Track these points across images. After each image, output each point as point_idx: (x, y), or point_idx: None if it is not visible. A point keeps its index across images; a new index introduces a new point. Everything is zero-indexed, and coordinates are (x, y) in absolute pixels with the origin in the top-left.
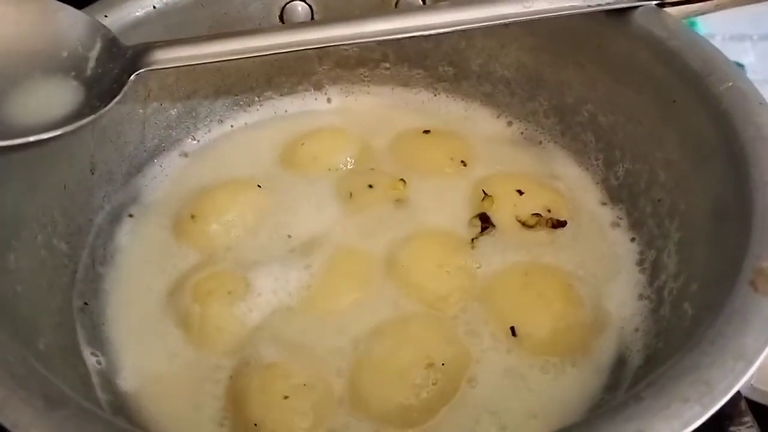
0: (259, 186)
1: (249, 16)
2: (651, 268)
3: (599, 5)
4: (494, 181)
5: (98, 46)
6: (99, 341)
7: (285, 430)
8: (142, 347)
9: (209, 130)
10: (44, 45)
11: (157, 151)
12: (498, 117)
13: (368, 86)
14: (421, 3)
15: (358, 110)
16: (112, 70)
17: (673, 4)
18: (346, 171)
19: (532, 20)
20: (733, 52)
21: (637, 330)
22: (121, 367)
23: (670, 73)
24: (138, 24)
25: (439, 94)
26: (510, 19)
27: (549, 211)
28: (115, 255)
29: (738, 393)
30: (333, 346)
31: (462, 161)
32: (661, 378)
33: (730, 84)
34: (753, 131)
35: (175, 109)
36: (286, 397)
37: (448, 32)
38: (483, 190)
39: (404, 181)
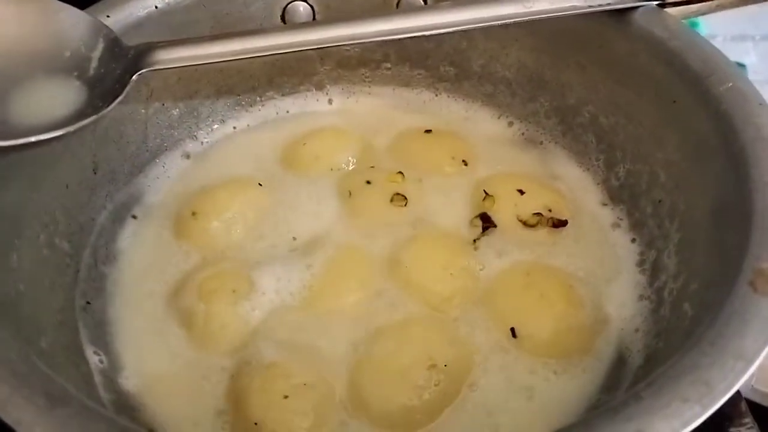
0: (260, 184)
1: (251, 17)
2: (651, 268)
3: (600, 6)
4: (495, 181)
5: (100, 46)
6: (101, 340)
7: (285, 429)
8: (145, 346)
9: (211, 130)
10: (47, 45)
11: (159, 151)
12: (499, 117)
13: (369, 86)
14: (422, 3)
15: (360, 110)
16: (115, 70)
17: (673, 5)
18: (347, 171)
19: (533, 20)
20: (734, 52)
21: (637, 330)
22: (124, 367)
23: (671, 73)
24: (140, 24)
25: (440, 94)
26: (511, 20)
27: (550, 210)
28: (117, 255)
29: (738, 394)
30: (334, 346)
31: (463, 160)
32: (661, 378)
33: (730, 85)
34: (753, 132)
35: (177, 109)
36: (286, 397)
37: (449, 32)
38: (484, 190)
39: (402, 174)
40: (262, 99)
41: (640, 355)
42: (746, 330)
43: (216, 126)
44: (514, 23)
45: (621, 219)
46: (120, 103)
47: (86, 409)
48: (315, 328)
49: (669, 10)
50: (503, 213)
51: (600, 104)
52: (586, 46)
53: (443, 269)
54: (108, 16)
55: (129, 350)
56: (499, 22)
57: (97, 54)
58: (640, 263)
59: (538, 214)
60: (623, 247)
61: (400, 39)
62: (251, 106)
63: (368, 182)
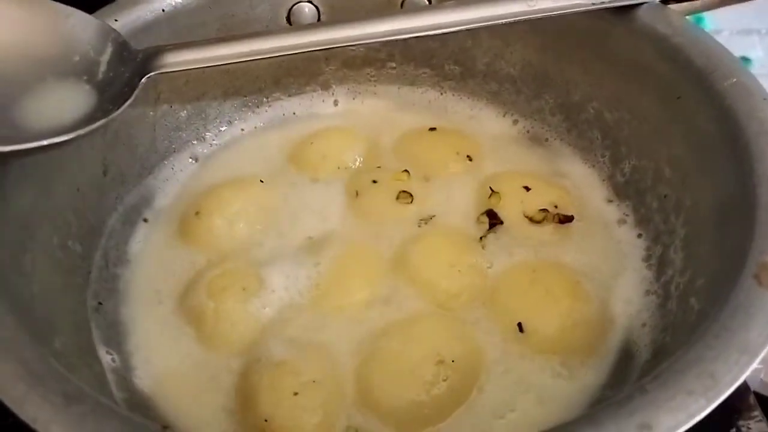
0: (261, 181)
1: (256, 18)
2: (658, 263)
3: (603, 3)
4: (501, 178)
5: (109, 50)
6: (113, 340)
7: (294, 426)
8: (156, 346)
9: (219, 132)
10: (56, 50)
11: (168, 153)
12: (504, 116)
13: (375, 86)
14: (426, 3)
15: (365, 110)
16: (123, 74)
17: (677, 0)
18: (354, 169)
19: (537, 19)
20: (740, 46)
21: (644, 325)
22: (135, 366)
23: (675, 69)
24: (147, 27)
25: (445, 93)
26: (515, 18)
27: (556, 206)
28: (128, 256)
29: (747, 388)
30: (342, 344)
31: (467, 156)
32: (666, 371)
33: (734, 80)
34: (757, 126)
35: (185, 111)
36: (295, 394)
37: (453, 32)
38: (490, 187)
39: (408, 172)
40: (269, 100)
41: (647, 349)
42: (751, 323)
43: (224, 128)
44: (519, 21)
45: (627, 215)
46: (129, 106)
47: (101, 407)
48: (323, 325)
49: (672, 6)
50: (509, 209)
51: (605, 100)
52: (590, 43)
53: (451, 266)
54: (116, 20)
55: (140, 350)
56: (504, 20)
57: (106, 58)
58: (647, 258)
59: (544, 210)
60: (629, 243)
61: (404, 39)
62: (258, 107)
63: (374, 181)
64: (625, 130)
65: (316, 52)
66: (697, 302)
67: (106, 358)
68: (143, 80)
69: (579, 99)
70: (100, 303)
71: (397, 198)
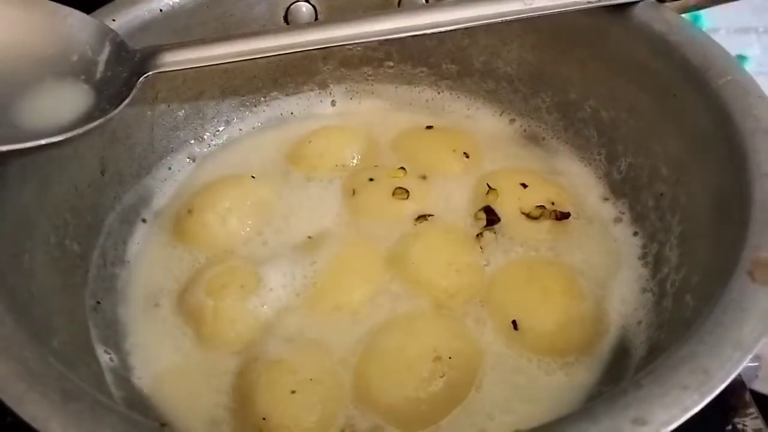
0: (252, 177)
1: (254, 18)
2: (653, 261)
3: (599, 1)
4: (498, 175)
5: (107, 49)
6: (111, 340)
7: (292, 424)
8: (154, 345)
9: (217, 132)
10: (54, 49)
11: (166, 153)
12: (501, 114)
13: (372, 85)
14: (423, 2)
15: (363, 109)
16: (121, 73)
17: None
18: (352, 168)
19: (533, 17)
20: (737, 44)
21: (640, 323)
22: (134, 365)
23: (671, 67)
24: (145, 27)
25: (442, 91)
26: (512, 17)
27: (553, 203)
28: (126, 256)
29: (743, 385)
30: (340, 341)
31: (464, 153)
32: (661, 366)
33: (729, 78)
34: (752, 124)
35: (183, 111)
36: (293, 392)
37: (450, 30)
38: (487, 184)
39: (404, 170)
40: (267, 99)
41: (643, 346)
42: (744, 319)
43: (222, 127)
44: (515, 20)
45: (623, 213)
46: (127, 105)
47: (99, 404)
48: (321, 323)
49: (668, 4)
50: (507, 206)
51: (601, 99)
52: (586, 41)
53: (448, 265)
54: (114, 20)
55: (138, 349)
56: (500, 19)
57: (103, 57)
58: (643, 256)
59: (541, 206)
60: (625, 241)
61: (402, 38)
62: (255, 106)
63: (371, 179)
64: (621, 128)
65: (314, 52)
66: (692, 299)
67: (105, 357)
68: (141, 80)
69: (575, 97)
70: (98, 302)
71: (393, 194)
